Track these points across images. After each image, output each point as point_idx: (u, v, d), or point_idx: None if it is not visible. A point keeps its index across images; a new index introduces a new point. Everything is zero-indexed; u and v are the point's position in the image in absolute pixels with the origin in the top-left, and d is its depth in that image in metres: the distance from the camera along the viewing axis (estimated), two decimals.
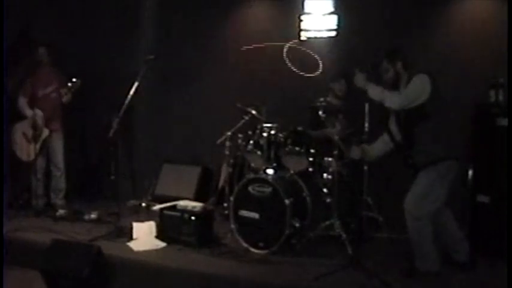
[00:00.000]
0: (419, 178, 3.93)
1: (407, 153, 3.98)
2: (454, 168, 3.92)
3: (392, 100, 3.89)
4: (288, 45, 5.81)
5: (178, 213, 4.69)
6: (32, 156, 5.59)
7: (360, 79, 4.08)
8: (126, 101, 4.87)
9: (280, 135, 4.85)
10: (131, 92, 4.87)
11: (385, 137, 4.24)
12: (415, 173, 3.97)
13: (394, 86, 4.00)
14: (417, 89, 3.82)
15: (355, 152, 4.40)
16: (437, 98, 3.85)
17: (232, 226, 4.62)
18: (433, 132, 3.83)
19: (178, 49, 6.44)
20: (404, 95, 3.86)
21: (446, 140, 3.88)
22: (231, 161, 5.53)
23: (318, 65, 5.69)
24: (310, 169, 4.80)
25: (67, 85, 5.57)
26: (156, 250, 4.53)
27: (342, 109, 4.84)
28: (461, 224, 4.19)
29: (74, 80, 5.54)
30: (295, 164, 4.76)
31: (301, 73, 5.71)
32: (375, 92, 4.00)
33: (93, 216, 5.45)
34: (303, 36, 5.86)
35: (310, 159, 4.77)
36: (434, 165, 3.85)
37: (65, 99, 5.64)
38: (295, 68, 5.75)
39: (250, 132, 5.11)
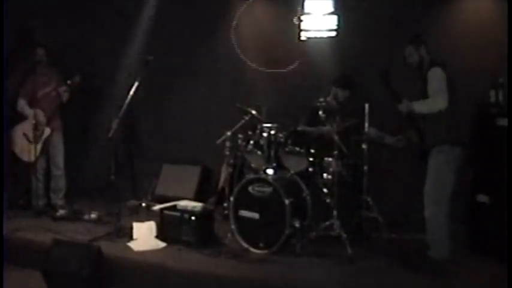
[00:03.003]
0: (429, 163, 4.09)
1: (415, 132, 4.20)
2: (460, 155, 4.07)
3: (437, 103, 4.00)
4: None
5: (178, 213, 4.69)
6: (33, 157, 5.59)
7: (404, 106, 4.19)
8: (126, 101, 4.86)
9: (280, 135, 4.86)
10: (131, 92, 4.87)
11: None
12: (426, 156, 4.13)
13: (418, 68, 4.22)
14: (439, 80, 4.03)
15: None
16: (450, 88, 4.01)
17: (232, 226, 4.62)
18: (442, 117, 3.99)
19: (178, 49, 6.44)
20: (438, 92, 4.00)
21: (454, 127, 4.04)
22: (231, 161, 5.53)
23: (315, 65, 5.70)
24: (310, 169, 4.80)
25: (66, 83, 5.60)
26: (156, 250, 4.52)
27: (340, 111, 4.83)
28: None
29: (72, 77, 5.56)
30: (295, 164, 4.77)
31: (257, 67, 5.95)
32: (419, 107, 4.12)
33: (93, 216, 5.44)
34: (303, 36, 5.85)
35: (310, 159, 4.79)
36: (440, 146, 4.03)
37: (64, 97, 5.67)
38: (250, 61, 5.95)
39: (250, 132, 5.12)
